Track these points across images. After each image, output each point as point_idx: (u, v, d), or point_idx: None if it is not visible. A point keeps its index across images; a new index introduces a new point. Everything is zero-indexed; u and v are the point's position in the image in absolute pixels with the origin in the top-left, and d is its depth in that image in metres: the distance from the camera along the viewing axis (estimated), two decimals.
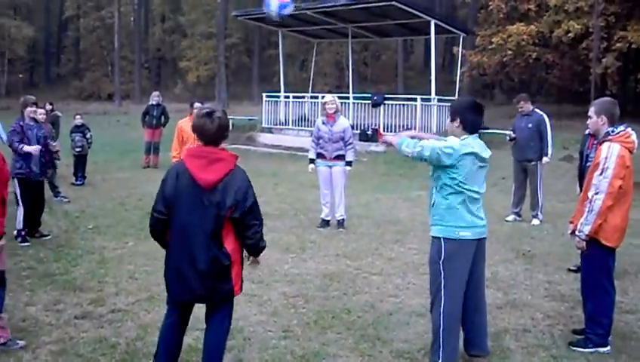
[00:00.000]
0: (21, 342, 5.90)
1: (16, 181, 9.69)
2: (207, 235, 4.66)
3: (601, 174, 5.75)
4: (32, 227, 10.10)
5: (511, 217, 12.16)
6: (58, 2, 74.21)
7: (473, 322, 5.60)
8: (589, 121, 6.24)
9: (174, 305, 4.99)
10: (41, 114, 11.12)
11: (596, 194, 5.76)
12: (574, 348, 6.04)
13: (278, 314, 6.94)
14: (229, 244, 4.74)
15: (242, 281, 4.98)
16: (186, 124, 10.64)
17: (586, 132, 8.17)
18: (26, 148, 9.65)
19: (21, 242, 9.64)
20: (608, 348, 6.01)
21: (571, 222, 6.28)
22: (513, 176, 12.31)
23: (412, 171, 18.54)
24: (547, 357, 5.92)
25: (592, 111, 6.13)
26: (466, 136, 5.39)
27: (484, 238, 5.51)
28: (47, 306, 7.01)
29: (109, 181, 16.46)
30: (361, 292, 7.70)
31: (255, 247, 4.88)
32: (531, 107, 12.05)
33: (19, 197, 9.80)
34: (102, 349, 5.88)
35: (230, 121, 4.88)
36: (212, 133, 4.77)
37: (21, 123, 9.89)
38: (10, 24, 61.54)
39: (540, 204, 11.95)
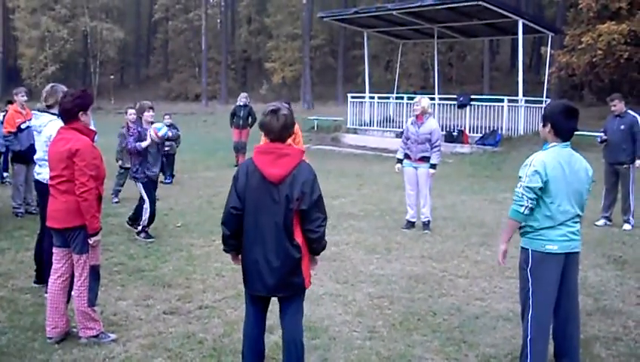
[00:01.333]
0: (112, 336, 6.07)
1: (140, 184, 10.08)
2: (278, 229, 4.74)
3: None
4: (134, 221, 10.49)
5: (601, 221, 11.83)
6: (148, 5, 76.20)
7: (565, 332, 5.43)
8: None
9: (252, 301, 5.06)
10: (131, 114, 11.41)
11: None
12: None
13: (363, 314, 6.93)
14: (299, 238, 4.81)
15: (311, 275, 5.01)
16: None
17: None
18: (144, 143, 9.89)
19: (145, 238, 10.01)
20: None
21: None
22: (604, 179, 11.95)
23: (498, 173, 18.26)
24: None
25: None
26: (555, 144, 5.25)
27: (577, 252, 5.36)
28: (137, 301, 7.19)
29: (197, 180, 16.77)
30: (446, 295, 7.62)
31: (318, 242, 4.89)
32: (624, 108, 11.71)
33: (145, 197, 10.11)
34: (190, 344, 5.99)
35: (294, 119, 4.92)
36: (278, 130, 4.83)
37: (139, 129, 10.14)
38: (102, 27, 63.61)
39: (631, 209, 11.59)
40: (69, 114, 5.91)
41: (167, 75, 69.60)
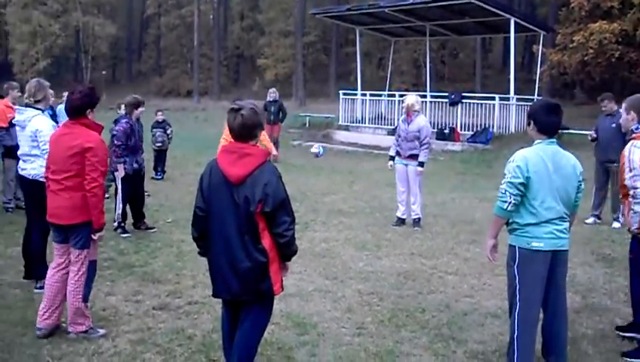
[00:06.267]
0: (101, 331, 6.08)
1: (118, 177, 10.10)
2: (241, 232, 4.59)
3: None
4: (137, 219, 10.54)
5: (590, 220, 11.88)
6: (140, 1, 75.99)
7: (552, 329, 5.46)
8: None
9: (224, 302, 5.00)
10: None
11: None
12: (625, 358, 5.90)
13: (352, 310, 6.95)
14: (266, 241, 4.64)
15: (282, 281, 4.84)
16: None
17: None
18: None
19: (121, 233, 10.04)
20: None
21: None
22: (595, 177, 11.99)
23: (489, 170, 18.32)
24: None
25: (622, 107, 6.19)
26: (540, 141, 5.28)
27: (564, 250, 5.38)
28: (127, 296, 7.19)
29: (188, 176, 16.70)
30: (436, 292, 7.65)
31: (287, 247, 4.68)
32: (615, 107, 11.74)
33: (120, 192, 10.17)
34: (179, 340, 6.01)
35: (259, 119, 4.77)
36: (237, 129, 4.67)
37: (130, 122, 10.18)
38: (94, 22, 63.37)
39: (621, 207, 11.63)
40: (78, 111, 5.94)
41: (159, 71, 69.44)
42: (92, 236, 5.98)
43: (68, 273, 6.01)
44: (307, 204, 12.85)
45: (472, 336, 6.30)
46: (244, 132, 4.67)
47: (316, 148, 16.10)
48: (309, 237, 9.95)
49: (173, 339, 6.02)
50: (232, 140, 4.73)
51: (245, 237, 4.60)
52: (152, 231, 10.37)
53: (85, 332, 5.97)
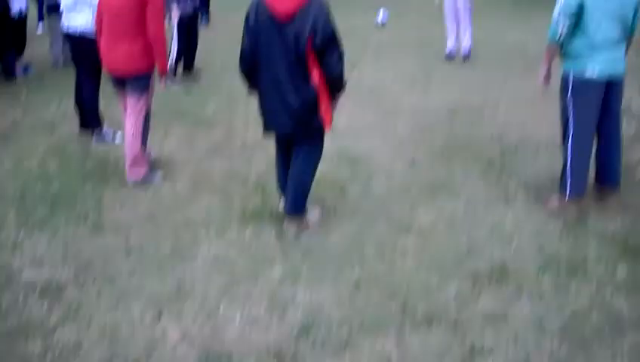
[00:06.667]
0: (159, 175, 6.24)
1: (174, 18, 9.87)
2: (290, 70, 4.59)
3: None
4: (188, 65, 10.35)
5: None
6: None
7: (606, 156, 5.41)
8: None
9: (277, 139, 5.08)
10: None
11: None
12: None
13: (403, 145, 6.98)
14: (316, 77, 4.62)
15: (332, 117, 4.85)
16: None
17: None
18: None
19: (171, 83, 9.91)
20: None
21: None
22: None
23: (539, 0, 17.67)
24: None
25: None
26: None
27: (620, 76, 5.22)
28: (181, 141, 7.30)
29: (233, 20, 16.38)
30: (487, 124, 7.61)
31: (338, 81, 4.67)
32: None
33: (175, 35, 9.92)
34: (234, 181, 6.13)
35: None
36: None
37: None
38: None
39: None
40: None
41: None
42: (152, 83, 6.05)
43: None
44: (355, 41, 12.64)
45: (524, 166, 6.32)
46: None
47: (382, 13, 15.42)
48: (358, 73, 9.80)
49: (228, 180, 6.14)
50: None
51: (295, 74, 4.60)
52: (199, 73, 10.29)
53: (144, 177, 6.11)
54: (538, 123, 7.54)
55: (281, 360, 3.55)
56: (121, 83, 6.08)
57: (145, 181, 6.09)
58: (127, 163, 6.08)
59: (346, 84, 4.77)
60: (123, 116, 6.26)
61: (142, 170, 6.10)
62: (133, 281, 4.39)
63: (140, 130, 6.06)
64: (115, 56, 5.95)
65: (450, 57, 11.07)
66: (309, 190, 5.05)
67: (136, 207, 5.60)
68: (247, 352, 3.62)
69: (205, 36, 13.94)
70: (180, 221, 5.31)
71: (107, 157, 6.79)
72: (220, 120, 8.02)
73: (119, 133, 7.10)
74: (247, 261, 4.65)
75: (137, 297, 4.18)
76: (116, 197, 5.80)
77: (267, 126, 4.96)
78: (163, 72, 5.99)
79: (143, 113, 6.06)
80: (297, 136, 4.86)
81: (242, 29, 4.77)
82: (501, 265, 4.49)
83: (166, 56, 6.00)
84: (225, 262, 4.64)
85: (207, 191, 5.91)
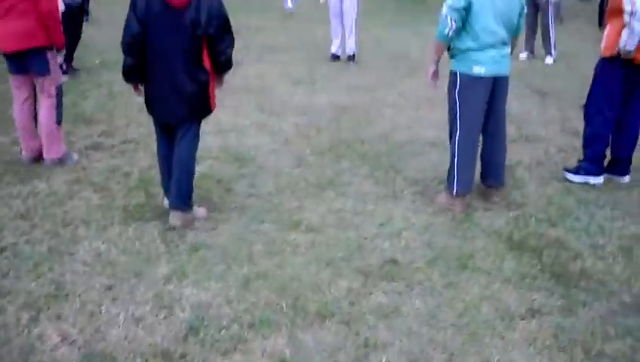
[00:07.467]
0: (76, 157, 6.25)
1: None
2: (184, 56, 4.57)
3: None
4: (67, 60, 9.81)
5: (524, 54, 11.87)
6: None
7: (491, 153, 5.49)
8: None
9: (161, 127, 4.97)
10: None
11: None
12: (565, 172, 6.08)
13: (290, 143, 6.89)
14: (207, 62, 4.67)
15: (215, 97, 4.93)
16: None
17: None
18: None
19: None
20: (600, 179, 5.99)
21: None
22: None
23: (422, 6, 18.08)
24: (560, 187, 5.88)
25: None
26: None
27: (505, 75, 5.30)
28: None
29: (114, 16, 16.02)
30: (374, 124, 7.62)
31: (226, 64, 4.78)
32: None
33: None
34: (115, 178, 5.88)
35: None
36: None
37: None
38: None
39: (552, 42, 11.64)
40: None
41: None
42: (53, 59, 5.94)
43: (32, 103, 6.07)
44: (239, 41, 12.48)
45: (411, 165, 6.33)
46: None
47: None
48: (243, 73, 9.63)
49: (109, 177, 5.88)
50: None
51: (189, 61, 4.60)
52: (78, 72, 9.90)
53: (63, 155, 6.07)
54: (423, 123, 7.63)
55: (169, 360, 3.38)
56: (19, 61, 5.87)
57: (64, 159, 6.06)
58: (44, 142, 6.00)
59: (231, 65, 4.87)
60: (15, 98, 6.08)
61: (60, 148, 6.06)
62: (5, 283, 4.10)
63: (54, 105, 5.98)
64: (9, 32, 5.73)
65: (334, 58, 11.09)
66: (193, 171, 4.97)
67: (9, 205, 5.25)
68: (132, 353, 3.41)
69: (84, 32, 13.53)
70: (58, 218, 5.02)
71: None
72: (100, 116, 7.71)
73: None
74: (130, 259, 4.42)
75: (12, 299, 3.90)
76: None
77: (158, 115, 4.87)
78: (60, 46, 5.92)
79: (54, 89, 5.97)
80: (187, 121, 4.80)
81: (125, 22, 4.64)
82: (392, 261, 4.46)
83: (60, 30, 5.83)
84: (107, 260, 4.40)
85: (86, 188, 5.62)
